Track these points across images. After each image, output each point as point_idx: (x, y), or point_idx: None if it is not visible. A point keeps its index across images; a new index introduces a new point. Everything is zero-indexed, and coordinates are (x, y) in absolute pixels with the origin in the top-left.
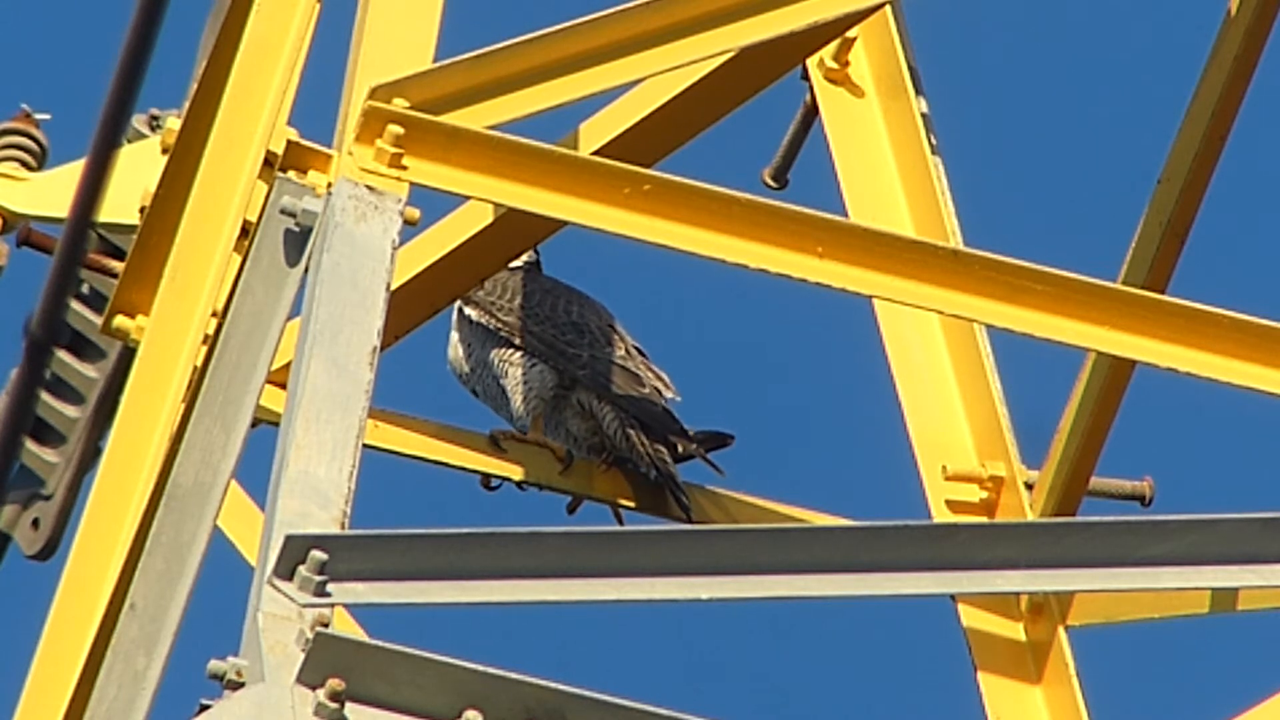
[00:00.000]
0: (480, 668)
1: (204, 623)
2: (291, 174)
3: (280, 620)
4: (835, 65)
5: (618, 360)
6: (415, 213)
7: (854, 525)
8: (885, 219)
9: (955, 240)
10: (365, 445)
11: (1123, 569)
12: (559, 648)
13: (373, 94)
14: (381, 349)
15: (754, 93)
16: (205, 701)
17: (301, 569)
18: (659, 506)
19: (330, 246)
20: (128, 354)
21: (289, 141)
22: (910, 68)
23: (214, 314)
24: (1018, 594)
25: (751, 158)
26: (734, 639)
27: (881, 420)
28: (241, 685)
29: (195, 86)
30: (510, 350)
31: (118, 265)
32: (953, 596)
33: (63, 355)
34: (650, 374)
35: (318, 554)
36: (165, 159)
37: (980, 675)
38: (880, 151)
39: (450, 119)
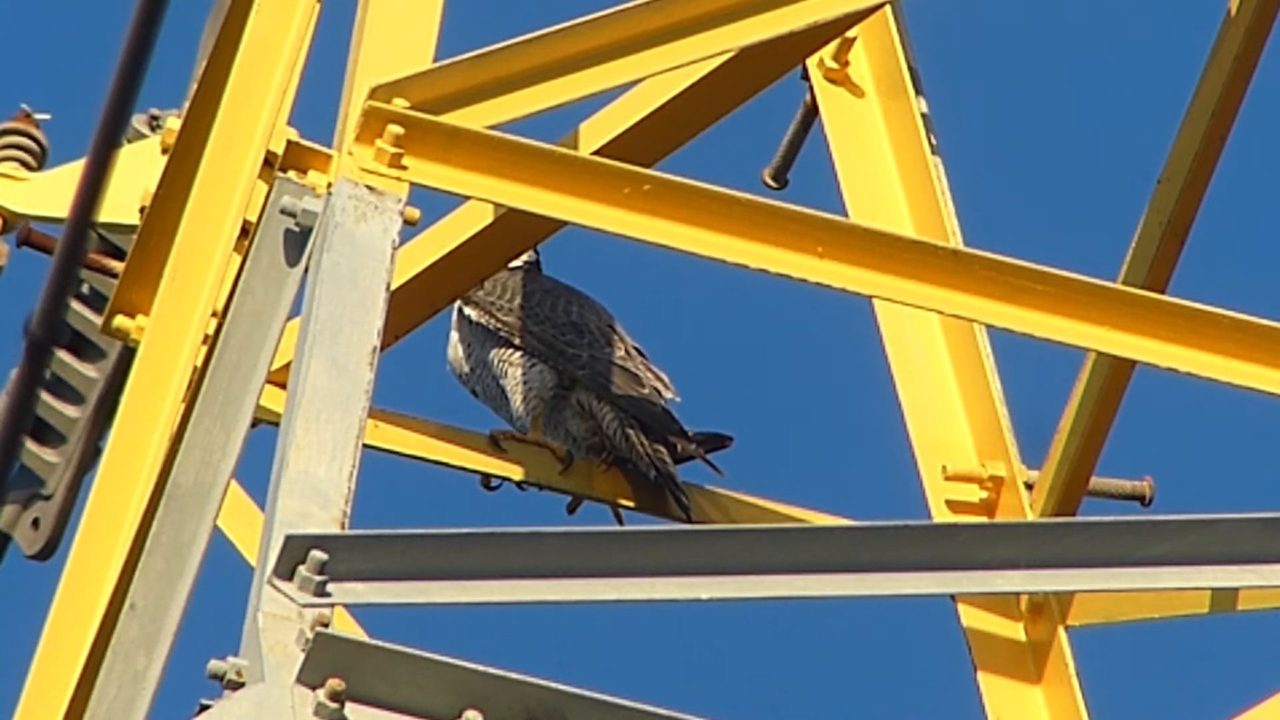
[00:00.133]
0: (480, 668)
1: (204, 623)
2: (291, 174)
3: (280, 620)
4: (835, 65)
5: (617, 360)
6: (415, 213)
7: (854, 525)
8: (885, 219)
9: (955, 240)
10: (365, 445)
11: (1123, 569)
12: (559, 648)
13: (373, 94)
14: (381, 349)
15: (754, 93)
16: (205, 701)
17: (301, 569)
18: (659, 506)
19: (330, 246)
20: (128, 354)
21: (289, 141)
22: (910, 68)
23: (214, 314)
24: (1018, 594)
25: (751, 158)
26: (734, 639)
27: (881, 420)
28: (241, 685)
29: (195, 86)
30: (510, 350)
31: (118, 265)
32: (953, 596)
33: (63, 355)
34: (650, 374)
35: (318, 554)
36: (165, 159)
37: (980, 675)
38: (880, 151)
39: (450, 119)
